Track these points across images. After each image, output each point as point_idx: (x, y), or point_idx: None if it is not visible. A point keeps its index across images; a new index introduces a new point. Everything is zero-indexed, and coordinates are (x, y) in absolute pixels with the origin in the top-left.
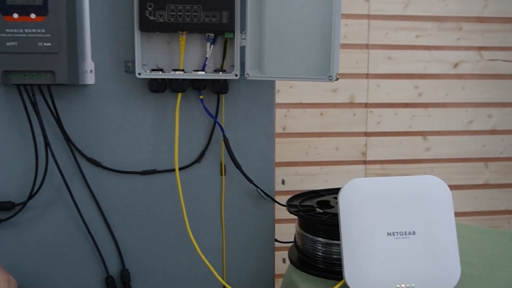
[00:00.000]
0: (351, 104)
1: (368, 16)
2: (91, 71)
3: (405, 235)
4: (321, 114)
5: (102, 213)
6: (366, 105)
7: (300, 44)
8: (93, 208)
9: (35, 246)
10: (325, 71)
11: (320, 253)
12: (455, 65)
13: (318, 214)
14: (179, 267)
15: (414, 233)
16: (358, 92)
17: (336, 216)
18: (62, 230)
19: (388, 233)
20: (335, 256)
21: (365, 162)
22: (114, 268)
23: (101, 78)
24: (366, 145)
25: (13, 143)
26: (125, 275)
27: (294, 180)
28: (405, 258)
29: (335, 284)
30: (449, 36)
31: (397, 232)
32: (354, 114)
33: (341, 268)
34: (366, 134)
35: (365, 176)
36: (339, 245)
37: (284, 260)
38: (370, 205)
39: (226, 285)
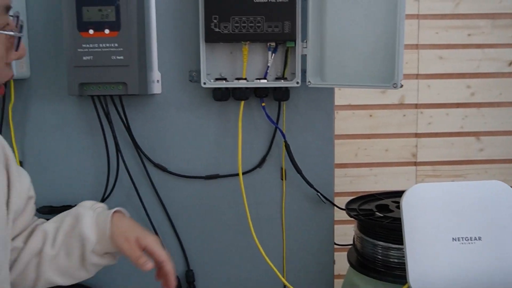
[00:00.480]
0: (401, 105)
1: (418, 16)
2: (157, 81)
3: (471, 240)
4: (370, 115)
5: (168, 215)
6: (416, 106)
7: (362, 52)
8: (160, 210)
9: None
10: (389, 78)
11: (380, 257)
12: (510, 63)
13: (378, 218)
14: (240, 268)
15: (479, 238)
16: (408, 93)
17: (396, 220)
18: None
19: (453, 238)
20: (395, 260)
21: (415, 164)
22: (179, 268)
23: (167, 87)
24: (416, 146)
25: (86, 150)
26: (189, 275)
27: (343, 182)
28: (471, 264)
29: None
30: (503, 34)
31: (462, 238)
32: (404, 115)
33: (402, 272)
34: (417, 135)
35: (416, 178)
36: (399, 249)
37: (334, 262)
38: (434, 210)
39: (289, 285)
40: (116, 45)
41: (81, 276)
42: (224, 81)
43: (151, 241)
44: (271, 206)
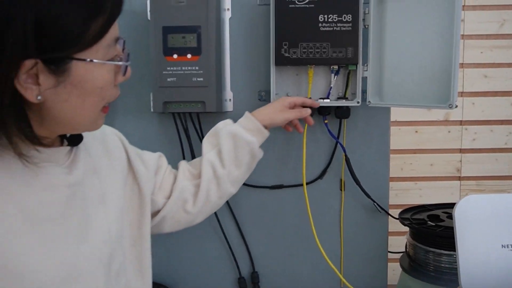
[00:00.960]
0: (446, 122)
1: (463, 36)
2: (230, 100)
3: None
4: (416, 131)
5: (236, 221)
6: (461, 123)
7: (418, 74)
8: (229, 217)
9: (180, 250)
10: (445, 99)
11: (432, 262)
12: None
13: (431, 227)
14: (302, 272)
15: None
16: (453, 110)
17: (448, 228)
18: (203, 237)
19: (502, 245)
20: (447, 265)
21: (459, 178)
22: (245, 270)
23: (238, 105)
24: (461, 161)
25: None
26: (254, 276)
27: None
28: None
29: None
30: None
31: (510, 245)
32: (449, 131)
33: (453, 276)
34: (461, 150)
35: (460, 192)
36: (450, 255)
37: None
38: (485, 219)
39: (349, 285)
40: (196, 68)
41: (246, 177)
42: None
43: (290, 99)
44: (330, 215)
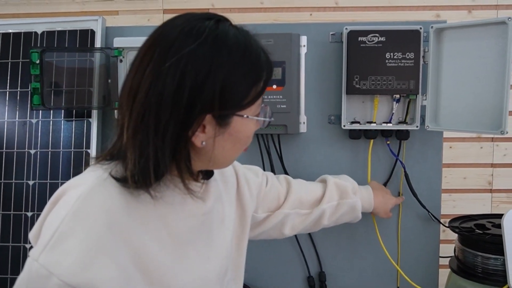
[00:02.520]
0: (478, 138)
1: None
2: (304, 122)
3: None
4: (450, 147)
5: None
6: (492, 139)
7: (472, 103)
8: None
9: (254, 251)
10: (497, 126)
11: (480, 265)
12: None
13: (479, 234)
14: (364, 272)
15: None
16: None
17: (494, 236)
18: (275, 240)
19: None
20: (494, 268)
21: (491, 191)
22: (313, 269)
23: (311, 128)
24: (492, 175)
25: None
26: (322, 275)
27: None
28: None
29: None
30: None
31: None
32: (481, 147)
33: (499, 278)
34: (493, 165)
35: (491, 204)
36: (496, 259)
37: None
38: None
39: (410, 280)
40: (280, 97)
41: None
42: (358, 124)
43: (396, 201)
44: (389, 222)
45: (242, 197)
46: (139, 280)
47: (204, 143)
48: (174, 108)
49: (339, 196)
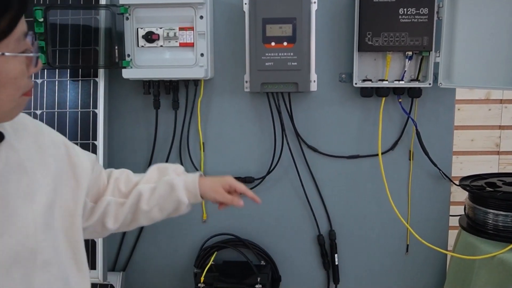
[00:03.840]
0: (486, 100)
1: None
2: (314, 81)
3: None
4: (458, 109)
5: (317, 186)
6: (501, 101)
7: (487, 60)
8: (311, 183)
9: (266, 209)
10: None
11: (491, 222)
12: None
13: (490, 192)
14: (373, 230)
15: None
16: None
17: (506, 193)
18: (287, 199)
19: None
20: (504, 224)
21: (498, 153)
22: (323, 228)
23: (321, 86)
24: (500, 137)
25: (254, 135)
26: (332, 234)
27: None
28: None
29: (505, 246)
30: None
31: None
32: (490, 109)
33: (508, 234)
34: (500, 127)
35: (498, 166)
36: (506, 215)
37: None
38: None
39: (418, 237)
40: (291, 54)
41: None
42: (370, 81)
43: (231, 182)
44: (399, 181)
45: (75, 168)
46: None
47: None
48: None
49: (158, 177)
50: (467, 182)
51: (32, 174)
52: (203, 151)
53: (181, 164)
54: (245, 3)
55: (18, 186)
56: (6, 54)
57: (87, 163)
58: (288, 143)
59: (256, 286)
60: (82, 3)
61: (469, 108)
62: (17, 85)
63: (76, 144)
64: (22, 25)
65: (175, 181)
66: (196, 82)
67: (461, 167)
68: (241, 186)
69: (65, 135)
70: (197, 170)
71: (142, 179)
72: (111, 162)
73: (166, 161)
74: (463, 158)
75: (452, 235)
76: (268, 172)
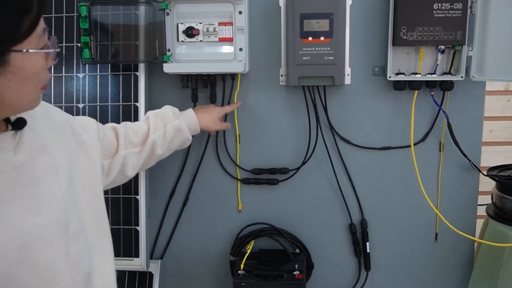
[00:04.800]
0: (505, 92)
1: None
2: (348, 74)
3: None
4: None
5: (349, 176)
6: None
7: None
8: (343, 173)
9: (300, 199)
10: None
11: None
12: None
13: None
14: (403, 219)
15: None
16: None
17: None
18: (320, 189)
19: None
20: None
21: None
22: (355, 217)
23: (355, 79)
24: None
25: (289, 127)
26: (364, 223)
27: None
28: None
29: None
30: None
31: None
32: (508, 101)
33: None
34: None
35: None
36: None
37: None
38: None
39: (447, 223)
40: (328, 48)
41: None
42: (403, 75)
43: (223, 110)
44: (429, 171)
45: (83, 143)
46: None
47: None
48: None
49: (163, 124)
50: (494, 172)
51: (52, 153)
52: (239, 142)
53: (217, 155)
54: None
55: (44, 165)
56: (30, 51)
57: (91, 134)
58: (322, 135)
59: (294, 272)
60: None
61: (488, 99)
62: (38, 79)
63: None
64: (41, 23)
65: (181, 125)
66: (233, 76)
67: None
68: (228, 109)
69: None
70: (233, 161)
71: (150, 129)
72: None
73: (203, 153)
74: (482, 148)
75: (478, 224)
76: (303, 163)
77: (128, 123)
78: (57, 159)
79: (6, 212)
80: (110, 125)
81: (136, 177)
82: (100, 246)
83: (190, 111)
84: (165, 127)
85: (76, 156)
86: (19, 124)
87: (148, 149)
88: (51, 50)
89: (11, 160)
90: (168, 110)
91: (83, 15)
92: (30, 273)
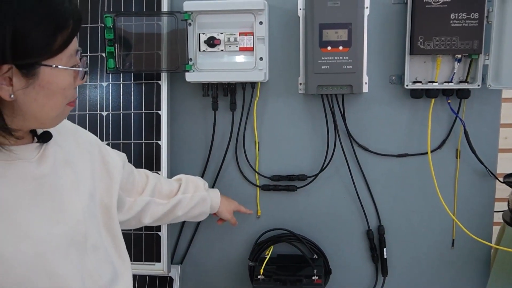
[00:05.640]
0: None
1: None
2: (366, 83)
3: None
4: None
5: (367, 183)
6: None
7: None
8: (361, 180)
9: (318, 206)
10: None
11: None
12: None
13: None
14: (420, 225)
15: None
16: None
17: None
18: (337, 195)
19: None
20: None
21: None
22: (373, 223)
23: (373, 88)
24: None
25: (307, 134)
26: (381, 229)
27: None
28: None
29: None
30: None
31: None
32: None
33: None
34: None
35: None
36: None
37: None
38: None
39: (465, 229)
40: (347, 57)
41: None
42: (420, 83)
43: (238, 208)
44: (446, 178)
45: (108, 165)
46: None
47: (12, 96)
48: None
49: (193, 190)
50: (511, 179)
51: (76, 168)
52: (258, 150)
53: (237, 162)
54: (300, 9)
55: (66, 179)
56: (59, 67)
57: (118, 161)
58: (340, 142)
59: (313, 277)
60: (145, 9)
61: (503, 106)
62: (64, 95)
63: (141, 144)
64: (74, 43)
65: (207, 198)
66: (253, 84)
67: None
68: (242, 210)
69: (130, 135)
70: (252, 168)
71: (180, 189)
72: (173, 160)
73: (223, 160)
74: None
75: (495, 231)
76: (321, 170)
77: (161, 176)
78: (80, 174)
79: (25, 220)
80: (144, 171)
81: None
82: (118, 265)
83: (216, 191)
84: (194, 193)
85: (100, 175)
86: (45, 137)
87: (171, 205)
88: (80, 69)
89: (33, 171)
90: (199, 181)
91: (108, 26)
92: (45, 281)
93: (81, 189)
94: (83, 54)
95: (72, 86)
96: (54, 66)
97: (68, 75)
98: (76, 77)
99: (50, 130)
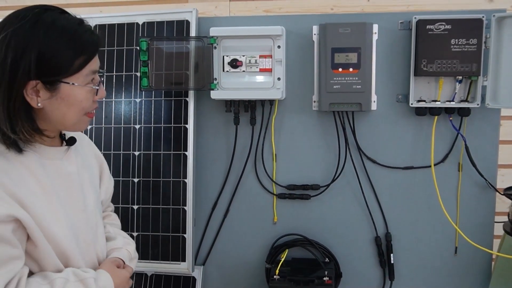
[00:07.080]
0: None
1: None
2: (374, 101)
3: None
4: (501, 125)
5: (375, 193)
6: None
7: None
8: (370, 190)
9: (330, 213)
10: None
11: None
12: None
13: None
14: (425, 233)
15: None
16: None
17: None
18: (348, 204)
19: None
20: None
21: None
22: (380, 231)
23: (380, 106)
24: None
25: (320, 148)
26: (388, 236)
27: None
28: None
29: None
30: None
31: None
32: None
33: None
34: None
35: None
36: None
37: None
38: None
39: (466, 238)
40: (356, 78)
41: None
42: (424, 102)
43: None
44: (449, 190)
45: (101, 181)
46: (29, 219)
47: (39, 104)
48: (2, 75)
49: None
50: (510, 192)
51: (90, 172)
52: (275, 161)
53: (256, 172)
54: (315, 34)
55: (85, 178)
56: (75, 84)
57: (108, 185)
58: (351, 155)
59: (324, 278)
60: (175, 34)
61: (509, 124)
62: (81, 106)
63: (169, 155)
64: (92, 64)
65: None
66: (271, 101)
67: (503, 179)
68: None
69: (160, 147)
70: (270, 178)
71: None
72: (198, 169)
73: (243, 170)
74: (504, 171)
75: (496, 242)
76: (333, 181)
77: (114, 228)
78: (93, 177)
79: (62, 208)
80: (111, 207)
81: (184, 191)
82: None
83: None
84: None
85: (96, 185)
86: (71, 142)
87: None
88: (92, 87)
89: (64, 168)
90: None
91: (143, 49)
92: (75, 250)
93: (94, 189)
94: (108, 74)
95: (89, 100)
96: (71, 83)
97: (84, 90)
98: (94, 92)
99: (75, 135)
